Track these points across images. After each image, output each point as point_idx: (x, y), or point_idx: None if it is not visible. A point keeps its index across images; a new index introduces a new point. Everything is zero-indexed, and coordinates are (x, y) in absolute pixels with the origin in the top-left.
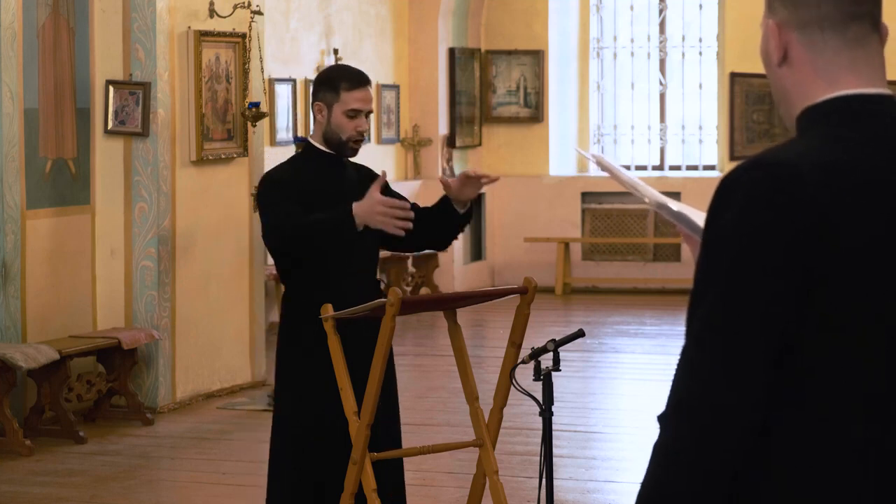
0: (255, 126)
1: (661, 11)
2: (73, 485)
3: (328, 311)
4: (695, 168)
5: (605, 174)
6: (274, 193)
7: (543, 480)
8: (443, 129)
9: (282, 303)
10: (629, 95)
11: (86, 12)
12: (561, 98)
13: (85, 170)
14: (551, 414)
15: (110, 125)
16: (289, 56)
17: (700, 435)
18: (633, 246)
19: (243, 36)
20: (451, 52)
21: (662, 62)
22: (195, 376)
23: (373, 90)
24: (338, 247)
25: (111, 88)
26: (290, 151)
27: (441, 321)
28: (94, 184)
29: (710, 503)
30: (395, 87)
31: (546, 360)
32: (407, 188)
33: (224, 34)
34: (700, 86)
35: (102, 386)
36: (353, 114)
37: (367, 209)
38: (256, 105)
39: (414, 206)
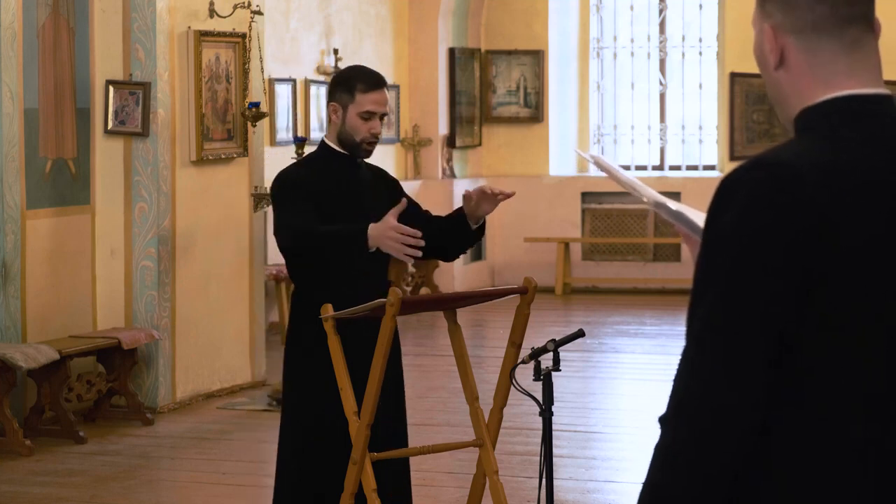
0: (255, 126)
1: (661, 11)
2: (73, 485)
3: (328, 310)
4: (695, 168)
5: (605, 174)
6: (288, 192)
7: (543, 480)
8: (443, 129)
9: (290, 301)
10: (629, 95)
11: (86, 12)
12: (561, 98)
13: (85, 170)
14: (551, 414)
15: (110, 125)
16: (289, 56)
17: (700, 437)
18: (633, 246)
19: (243, 36)
20: (451, 52)
21: (662, 62)
22: (195, 376)
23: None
24: (346, 260)
25: (111, 88)
26: (290, 151)
27: (441, 321)
28: (94, 184)
29: None
30: (395, 88)
31: (546, 360)
32: (407, 188)
33: (224, 34)
34: (700, 86)
35: (102, 386)
36: (368, 116)
37: (380, 231)
38: (256, 105)
39: (427, 215)
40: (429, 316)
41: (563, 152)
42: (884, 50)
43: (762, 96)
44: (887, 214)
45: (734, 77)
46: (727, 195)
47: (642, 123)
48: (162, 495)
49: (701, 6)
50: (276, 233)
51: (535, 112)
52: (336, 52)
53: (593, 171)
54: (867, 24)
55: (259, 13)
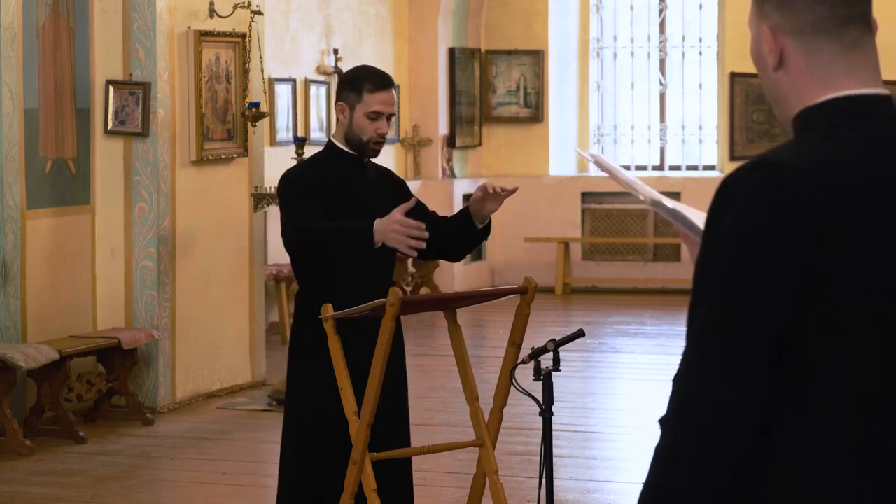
0: (255, 126)
1: (661, 11)
2: (73, 485)
3: (328, 310)
4: (695, 168)
5: (605, 174)
6: (294, 192)
7: (543, 480)
8: (443, 129)
9: (294, 300)
10: (629, 95)
11: (86, 12)
12: (561, 98)
13: (85, 170)
14: (551, 414)
15: (110, 125)
16: (289, 56)
17: (701, 437)
18: (633, 246)
19: (243, 36)
20: (451, 52)
21: (662, 62)
22: (195, 376)
23: (396, 92)
24: (352, 257)
25: (111, 88)
26: (290, 151)
27: (441, 321)
28: (94, 184)
29: None
30: (396, 88)
31: (546, 360)
32: None
33: (224, 34)
34: (700, 86)
35: (102, 386)
36: (375, 116)
37: (385, 226)
38: (256, 105)
39: (433, 216)
40: (429, 316)
41: (563, 152)
42: (883, 50)
43: (762, 96)
44: (887, 215)
45: (734, 77)
46: (728, 195)
47: (642, 123)
48: (162, 495)
49: (701, 6)
50: (282, 233)
51: (535, 112)
52: (336, 52)
53: (593, 171)
54: (866, 24)
55: (259, 13)
